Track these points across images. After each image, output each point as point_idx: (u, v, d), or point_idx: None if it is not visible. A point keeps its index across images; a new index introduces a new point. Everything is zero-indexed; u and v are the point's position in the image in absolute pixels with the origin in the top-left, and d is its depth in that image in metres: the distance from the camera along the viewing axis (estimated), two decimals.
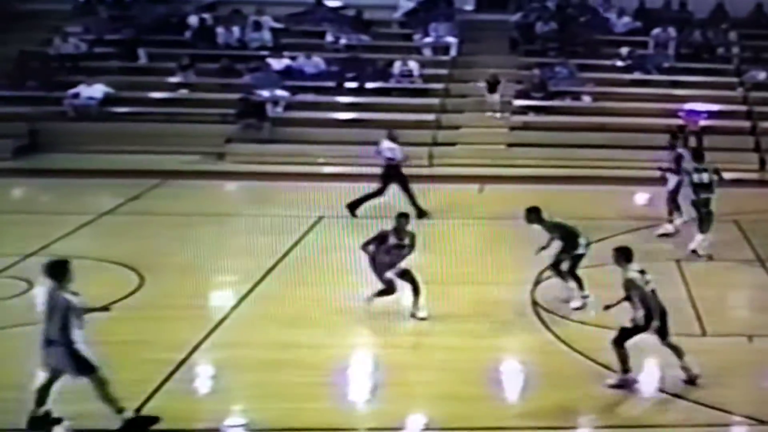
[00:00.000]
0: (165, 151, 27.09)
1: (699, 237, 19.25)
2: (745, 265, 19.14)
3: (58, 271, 11.63)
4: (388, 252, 15.39)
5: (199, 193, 24.46)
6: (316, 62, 31.28)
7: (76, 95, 29.22)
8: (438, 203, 22.20)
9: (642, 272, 13.18)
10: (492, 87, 29.19)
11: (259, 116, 28.60)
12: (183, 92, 30.47)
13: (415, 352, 13.74)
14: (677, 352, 13.34)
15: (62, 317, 11.42)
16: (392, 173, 22.06)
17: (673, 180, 20.68)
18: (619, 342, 13.08)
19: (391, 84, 30.93)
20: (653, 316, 12.99)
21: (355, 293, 15.45)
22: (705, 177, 19.31)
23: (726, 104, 29.77)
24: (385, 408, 12.70)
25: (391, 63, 31.26)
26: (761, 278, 18.32)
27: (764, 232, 20.70)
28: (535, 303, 16.51)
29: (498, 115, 28.91)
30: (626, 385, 13.16)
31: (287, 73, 30.84)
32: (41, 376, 11.74)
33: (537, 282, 17.30)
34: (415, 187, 22.27)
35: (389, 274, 15.43)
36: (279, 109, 29.78)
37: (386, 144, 22.38)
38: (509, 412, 12.89)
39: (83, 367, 11.52)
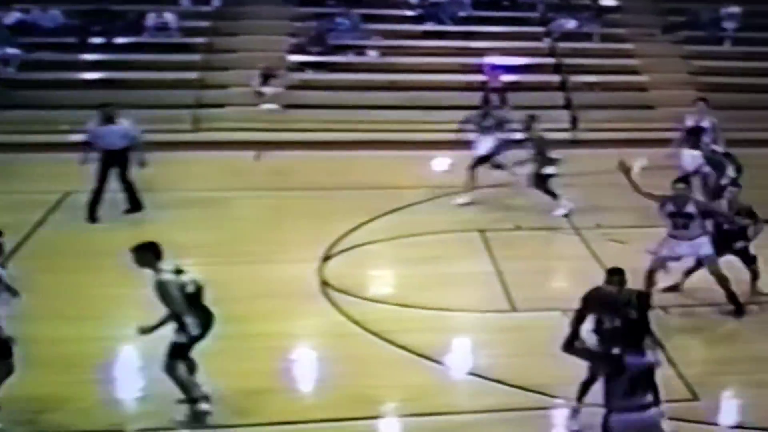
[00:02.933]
0: None
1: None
2: (557, 233, 19.84)
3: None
4: None
5: None
6: (53, 15, 30.66)
7: None
8: (208, 173, 22.11)
9: (179, 272, 12.10)
10: (266, 79, 28.92)
11: None
12: None
13: None
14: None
15: None
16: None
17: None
18: (171, 366, 12.19)
19: (145, 39, 30.62)
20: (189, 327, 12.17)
21: (113, 279, 15.31)
22: None
23: (532, 57, 30.40)
24: (157, 406, 12.64)
25: (143, 15, 30.93)
26: (575, 247, 18.94)
27: (578, 196, 21.37)
28: (324, 282, 16.71)
29: (275, 106, 28.65)
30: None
31: (19, 28, 30.20)
32: None
33: (326, 258, 17.53)
34: (180, 156, 22.21)
35: None
36: (11, 70, 29.22)
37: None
38: (301, 405, 13.02)
39: None
